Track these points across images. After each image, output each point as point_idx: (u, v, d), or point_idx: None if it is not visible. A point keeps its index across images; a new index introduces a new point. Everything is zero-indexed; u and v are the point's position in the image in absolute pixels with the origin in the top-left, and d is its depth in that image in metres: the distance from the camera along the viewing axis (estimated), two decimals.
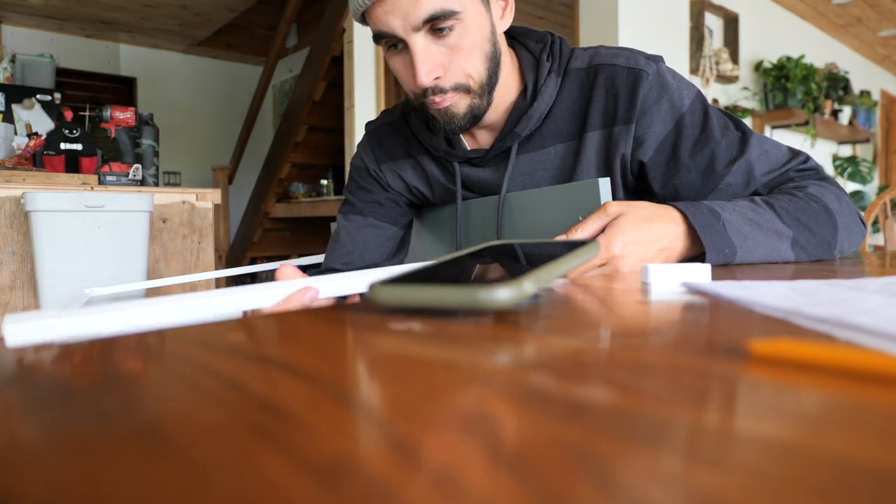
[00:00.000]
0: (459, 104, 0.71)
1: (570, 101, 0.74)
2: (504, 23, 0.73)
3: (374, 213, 0.89)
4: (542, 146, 0.75)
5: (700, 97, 0.73)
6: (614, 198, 0.74)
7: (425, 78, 0.67)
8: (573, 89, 0.74)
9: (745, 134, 0.71)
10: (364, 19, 0.71)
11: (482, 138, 0.80)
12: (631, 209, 0.60)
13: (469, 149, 0.79)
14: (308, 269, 0.80)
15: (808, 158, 0.73)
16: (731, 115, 0.74)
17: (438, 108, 0.71)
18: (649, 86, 0.70)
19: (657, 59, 0.73)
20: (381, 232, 0.90)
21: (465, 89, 0.70)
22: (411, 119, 0.83)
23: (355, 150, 0.92)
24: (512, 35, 0.78)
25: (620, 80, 0.71)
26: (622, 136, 0.71)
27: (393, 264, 0.90)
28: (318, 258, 1.32)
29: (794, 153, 0.73)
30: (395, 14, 0.65)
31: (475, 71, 0.70)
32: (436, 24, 0.65)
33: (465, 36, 0.67)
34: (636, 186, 0.77)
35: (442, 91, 0.69)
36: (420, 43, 0.66)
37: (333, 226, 0.95)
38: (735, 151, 0.70)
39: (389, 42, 0.69)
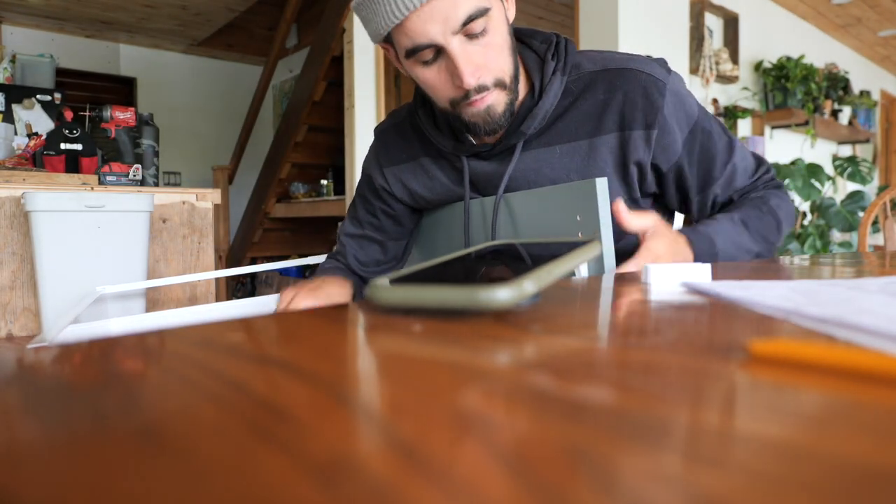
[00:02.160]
0: (499, 102, 0.71)
1: (583, 102, 0.75)
2: (510, 15, 0.74)
3: (371, 224, 0.94)
4: (549, 144, 0.76)
5: (699, 104, 0.78)
6: (626, 199, 0.77)
7: (471, 79, 0.67)
8: (587, 91, 0.75)
9: (731, 140, 0.78)
10: (389, 39, 0.70)
11: (488, 136, 0.80)
12: (667, 231, 0.66)
13: (476, 143, 0.80)
14: (308, 269, 0.84)
15: (769, 168, 0.82)
16: (716, 118, 0.80)
17: (480, 108, 0.70)
18: (669, 95, 0.72)
19: (667, 67, 0.75)
20: (373, 245, 0.95)
21: (502, 85, 0.71)
22: (419, 118, 0.83)
23: (356, 150, 0.95)
24: (517, 36, 0.78)
25: (639, 86, 0.72)
26: (640, 140, 0.72)
27: (384, 269, 0.96)
28: (319, 258, 1.32)
29: (759, 161, 0.82)
30: (433, 20, 0.64)
31: (506, 65, 0.70)
32: (471, 27, 0.65)
33: (496, 33, 0.68)
34: (646, 188, 0.79)
35: (485, 88, 0.69)
36: (459, 46, 0.66)
37: (339, 226, 1.00)
38: (726, 156, 0.77)
39: (423, 57, 0.68)
